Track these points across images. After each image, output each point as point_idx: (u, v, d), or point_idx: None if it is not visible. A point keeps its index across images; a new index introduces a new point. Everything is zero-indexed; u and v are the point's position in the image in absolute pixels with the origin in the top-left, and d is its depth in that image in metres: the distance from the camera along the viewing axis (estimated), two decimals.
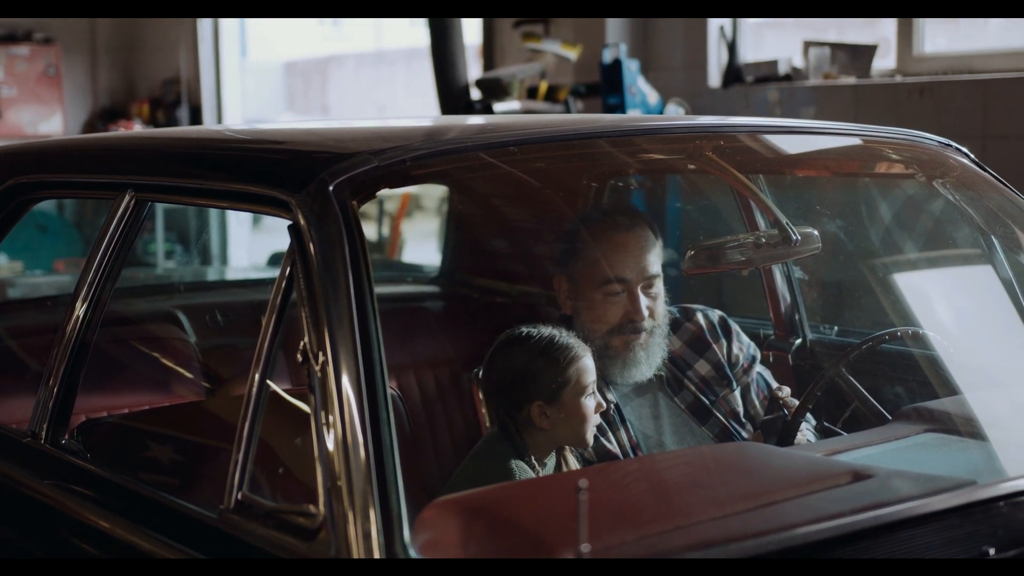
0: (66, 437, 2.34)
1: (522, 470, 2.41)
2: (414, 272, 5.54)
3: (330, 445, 1.71)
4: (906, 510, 1.77)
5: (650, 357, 2.67)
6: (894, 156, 2.77)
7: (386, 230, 8.44)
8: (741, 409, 2.77)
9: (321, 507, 1.70)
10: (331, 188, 1.94)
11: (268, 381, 1.91)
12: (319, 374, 1.76)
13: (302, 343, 1.81)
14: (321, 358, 1.77)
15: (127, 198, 2.37)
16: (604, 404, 2.50)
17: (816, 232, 2.56)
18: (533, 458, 2.46)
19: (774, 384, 2.84)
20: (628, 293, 2.64)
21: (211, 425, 2.67)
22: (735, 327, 2.87)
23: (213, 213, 8.13)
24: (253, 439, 1.90)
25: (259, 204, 2.09)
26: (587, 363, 2.48)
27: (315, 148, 2.29)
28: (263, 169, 2.21)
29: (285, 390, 1.96)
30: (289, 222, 1.95)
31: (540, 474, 2.45)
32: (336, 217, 1.90)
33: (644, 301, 2.65)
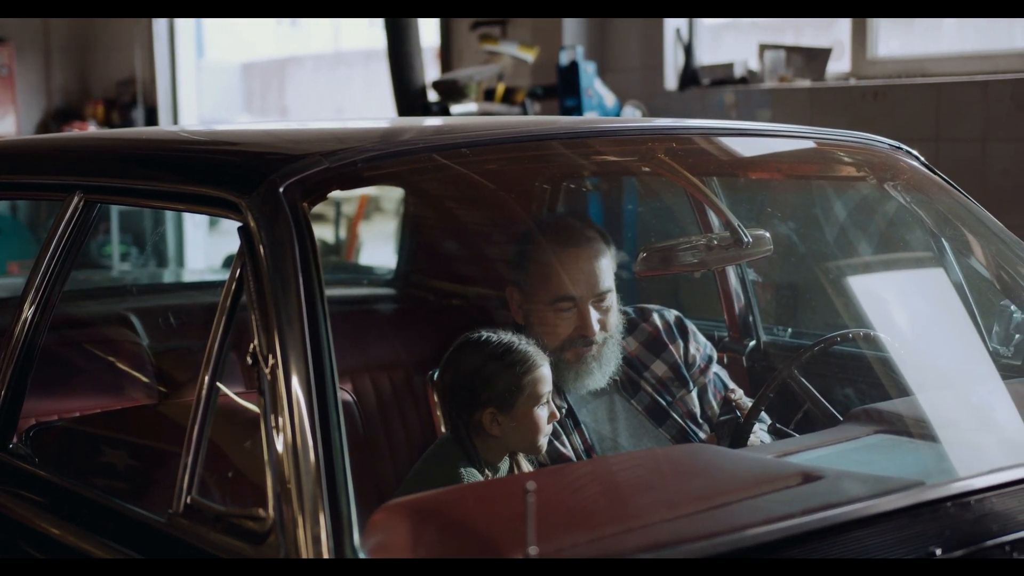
0: (14, 441, 2.32)
1: (472, 476, 2.39)
2: (368, 274, 5.52)
3: (280, 448, 1.70)
4: (855, 511, 1.78)
5: (603, 366, 2.65)
6: (846, 159, 2.78)
7: (344, 232, 8.42)
8: (698, 410, 2.77)
9: (271, 511, 1.69)
10: (281, 190, 1.93)
11: (218, 384, 1.90)
12: (269, 377, 1.75)
13: (252, 345, 1.80)
14: (271, 361, 1.76)
15: (76, 199, 2.35)
16: (558, 414, 2.47)
17: (768, 234, 2.57)
18: (485, 463, 2.43)
19: (730, 385, 2.85)
20: (578, 309, 2.62)
21: (162, 429, 2.65)
22: (691, 327, 2.87)
23: (169, 215, 8.07)
24: (203, 443, 1.88)
25: (210, 206, 2.07)
26: (544, 373, 2.44)
27: (266, 149, 2.28)
28: (213, 170, 2.19)
29: (237, 393, 1.95)
30: (239, 224, 1.93)
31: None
32: (286, 219, 1.89)
33: (595, 315, 2.62)
